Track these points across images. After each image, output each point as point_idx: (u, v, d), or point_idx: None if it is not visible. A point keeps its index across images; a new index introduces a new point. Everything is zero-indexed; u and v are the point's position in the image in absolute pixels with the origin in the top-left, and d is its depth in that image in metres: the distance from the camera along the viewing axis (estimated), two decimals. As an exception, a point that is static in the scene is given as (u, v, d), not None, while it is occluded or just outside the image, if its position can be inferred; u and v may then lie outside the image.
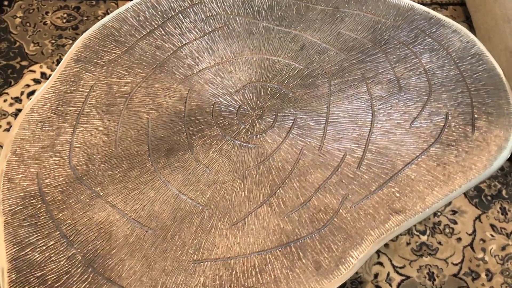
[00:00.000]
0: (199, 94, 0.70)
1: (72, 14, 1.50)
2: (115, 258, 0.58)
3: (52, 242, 0.58)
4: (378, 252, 1.08)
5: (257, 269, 0.60)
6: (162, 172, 0.64)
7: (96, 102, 0.68)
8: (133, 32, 0.75)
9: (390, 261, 1.07)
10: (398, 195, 0.66)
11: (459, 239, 1.11)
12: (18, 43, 1.42)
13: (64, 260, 0.58)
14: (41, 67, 1.37)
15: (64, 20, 1.48)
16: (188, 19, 0.78)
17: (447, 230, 1.12)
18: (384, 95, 0.74)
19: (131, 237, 0.60)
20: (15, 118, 1.29)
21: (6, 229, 0.58)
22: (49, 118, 0.66)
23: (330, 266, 0.61)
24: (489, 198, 1.17)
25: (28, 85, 1.34)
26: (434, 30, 0.81)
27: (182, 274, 0.58)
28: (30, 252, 0.58)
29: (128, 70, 0.70)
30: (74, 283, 0.56)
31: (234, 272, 0.59)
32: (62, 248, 0.58)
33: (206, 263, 0.59)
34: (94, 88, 0.68)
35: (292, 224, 0.63)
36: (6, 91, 1.33)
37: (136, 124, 0.67)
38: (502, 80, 0.77)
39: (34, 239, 0.58)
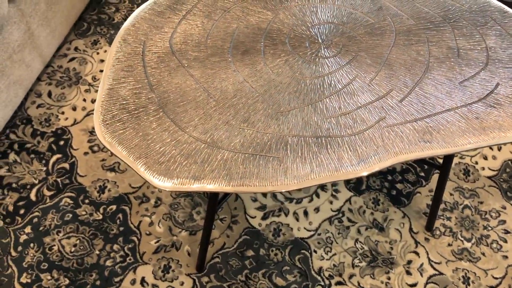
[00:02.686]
0: (281, 21, 0.85)
1: None
2: (182, 108, 0.73)
3: (140, 85, 0.75)
4: (416, 242, 1.10)
5: (288, 146, 0.70)
6: (235, 63, 0.79)
7: (202, 8, 0.85)
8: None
9: (427, 253, 1.09)
10: (430, 129, 0.73)
11: (505, 257, 1.09)
12: None
13: (144, 99, 0.74)
14: None
15: None
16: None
17: (494, 245, 1.10)
18: (441, 57, 0.82)
19: (199, 98, 0.74)
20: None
21: (111, 69, 0.76)
22: (164, 9, 0.85)
23: (351, 161, 0.69)
24: (549, 230, 1.13)
25: None
26: (506, 22, 0.88)
27: (228, 132, 0.71)
28: (122, 87, 0.75)
29: (232, -7, 0.88)
30: (147, 115, 0.72)
31: (268, 143, 0.70)
32: (145, 91, 0.75)
33: (248, 130, 0.71)
34: (203, -1, 0.87)
35: (329, 125, 0.73)
36: None
37: (226, 29, 0.83)
38: None
39: (128, 80, 0.75)
